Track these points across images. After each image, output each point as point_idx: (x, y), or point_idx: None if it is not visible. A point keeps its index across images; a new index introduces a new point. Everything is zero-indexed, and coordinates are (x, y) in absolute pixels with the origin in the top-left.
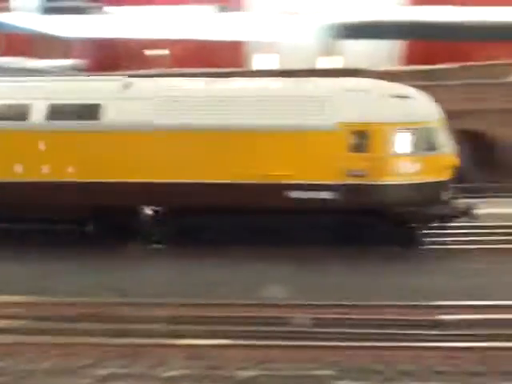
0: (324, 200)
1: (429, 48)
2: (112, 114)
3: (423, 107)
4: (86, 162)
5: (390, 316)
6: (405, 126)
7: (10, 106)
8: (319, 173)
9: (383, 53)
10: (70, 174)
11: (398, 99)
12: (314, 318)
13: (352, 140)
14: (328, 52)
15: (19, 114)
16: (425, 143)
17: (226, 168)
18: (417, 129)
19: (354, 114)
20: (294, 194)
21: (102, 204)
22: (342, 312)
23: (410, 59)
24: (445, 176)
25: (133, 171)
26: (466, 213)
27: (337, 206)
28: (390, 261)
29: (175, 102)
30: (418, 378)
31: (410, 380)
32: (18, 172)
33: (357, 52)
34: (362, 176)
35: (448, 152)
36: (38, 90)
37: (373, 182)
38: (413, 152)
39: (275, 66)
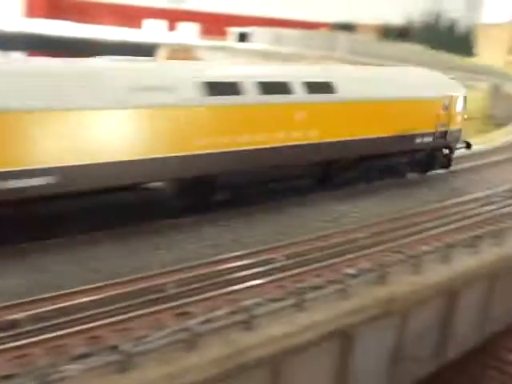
0: (427, 143)
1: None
2: (343, 89)
3: (459, 84)
4: (326, 126)
5: None
6: (461, 95)
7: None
8: (429, 125)
9: None
10: (313, 136)
11: (453, 81)
12: None
13: (443, 104)
14: None
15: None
16: (463, 105)
17: (387, 126)
18: (463, 97)
19: (444, 89)
20: (417, 141)
21: (334, 159)
22: None
23: None
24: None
25: (357, 130)
26: (468, 146)
27: (430, 146)
28: None
29: (375, 81)
30: None
31: None
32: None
33: None
34: (444, 126)
35: (464, 110)
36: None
37: (448, 129)
38: (461, 110)
39: None
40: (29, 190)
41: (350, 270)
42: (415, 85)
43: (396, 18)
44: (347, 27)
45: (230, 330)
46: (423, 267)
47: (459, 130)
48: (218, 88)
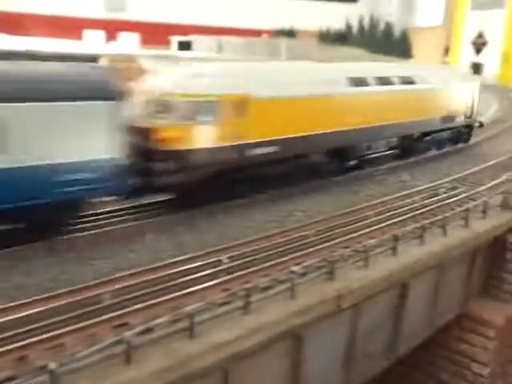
0: (460, 122)
1: None
2: (419, 82)
3: (475, 76)
4: (410, 109)
5: None
6: (478, 85)
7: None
8: (463, 108)
9: None
10: (403, 116)
11: (471, 74)
12: None
13: (472, 90)
14: None
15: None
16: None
17: (441, 109)
18: (478, 86)
19: (469, 80)
20: (456, 120)
21: (410, 134)
22: None
23: None
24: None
25: (426, 112)
26: (481, 125)
27: (461, 124)
28: None
29: (433, 75)
30: None
31: None
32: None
33: None
34: (470, 108)
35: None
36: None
37: (472, 111)
38: (477, 96)
39: None
40: (265, 156)
41: (297, 269)
42: (453, 77)
43: (335, 24)
44: (288, 33)
45: (171, 339)
46: (371, 261)
47: (476, 112)
48: (356, 81)
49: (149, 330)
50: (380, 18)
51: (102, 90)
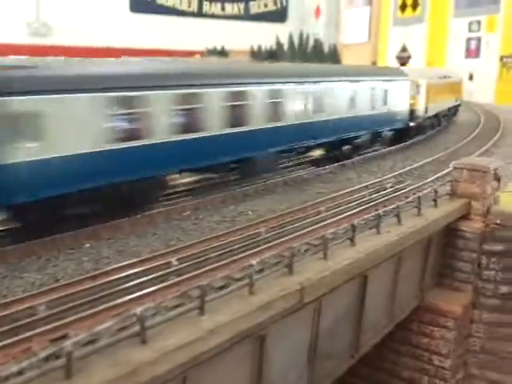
0: (458, 102)
1: None
2: (453, 76)
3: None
4: (454, 93)
5: None
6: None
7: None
8: (459, 95)
9: None
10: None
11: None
12: None
13: (462, 82)
14: None
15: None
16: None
17: (455, 94)
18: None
19: (459, 76)
20: (457, 102)
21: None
22: None
23: None
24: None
25: (454, 95)
26: (460, 105)
27: (457, 104)
28: None
29: (452, 73)
30: None
31: None
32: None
33: None
34: (462, 93)
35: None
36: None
37: (461, 96)
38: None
39: None
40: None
41: (253, 265)
42: (456, 74)
43: (266, 42)
44: (221, 53)
45: (119, 347)
46: (329, 253)
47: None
48: (444, 75)
49: (94, 339)
50: (309, 35)
51: (402, 75)
